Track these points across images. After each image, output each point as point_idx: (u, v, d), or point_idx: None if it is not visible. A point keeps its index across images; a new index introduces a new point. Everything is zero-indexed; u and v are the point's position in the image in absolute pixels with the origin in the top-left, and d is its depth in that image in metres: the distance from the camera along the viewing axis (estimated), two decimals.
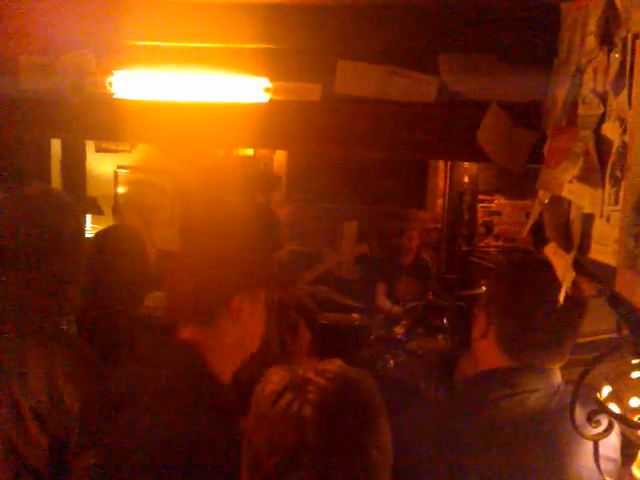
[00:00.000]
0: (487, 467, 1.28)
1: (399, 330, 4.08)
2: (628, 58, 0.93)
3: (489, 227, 5.90)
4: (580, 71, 1.25)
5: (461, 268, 5.62)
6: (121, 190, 5.64)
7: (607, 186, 0.98)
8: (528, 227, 1.57)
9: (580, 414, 1.19)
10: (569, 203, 1.23)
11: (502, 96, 1.83)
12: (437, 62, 1.89)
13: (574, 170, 1.13)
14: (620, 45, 0.98)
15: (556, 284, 1.19)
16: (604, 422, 1.21)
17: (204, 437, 1.09)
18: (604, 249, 0.99)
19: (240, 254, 1.33)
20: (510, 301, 1.40)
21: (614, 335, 1.11)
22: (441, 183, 5.74)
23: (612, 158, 0.98)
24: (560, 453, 1.29)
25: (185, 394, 1.18)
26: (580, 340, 1.43)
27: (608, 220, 0.97)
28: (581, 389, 1.13)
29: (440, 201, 5.83)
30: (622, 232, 0.88)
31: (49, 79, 2.11)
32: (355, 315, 4.12)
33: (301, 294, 2.83)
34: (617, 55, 0.99)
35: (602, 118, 1.05)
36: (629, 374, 1.33)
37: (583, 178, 1.09)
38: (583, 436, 1.20)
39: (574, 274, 1.13)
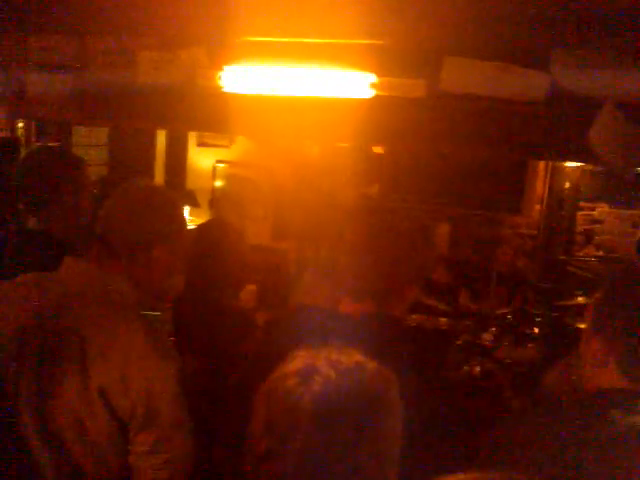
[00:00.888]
0: None
1: (487, 337, 3.98)
2: None
3: (589, 236, 5.62)
4: None
5: (556, 277, 5.39)
6: (218, 184, 5.82)
7: None
8: None
9: None
10: None
11: (618, 94, 1.75)
12: (549, 58, 1.83)
13: None
14: None
15: None
16: None
17: None
18: None
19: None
20: (631, 328, 1.30)
21: None
22: (540, 188, 5.52)
23: None
24: None
25: None
26: None
27: None
28: None
29: (538, 207, 5.61)
30: None
31: (165, 73, 2.23)
32: (442, 319, 4.07)
33: None
34: None
35: None
36: None
37: None
38: None
39: None
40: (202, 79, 2.20)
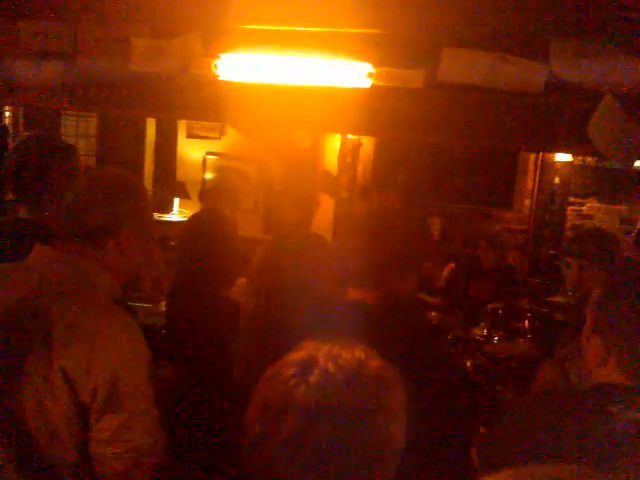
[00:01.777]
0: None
1: (478, 332, 3.98)
2: None
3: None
4: None
5: (547, 272, 5.43)
6: (208, 176, 5.79)
7: None
8: None
9: None
10: None
11: (617, 86, 1.74)
12: (547, 49, 1.82)
13: None
14: None
15: None
16: None
17: None
18: None
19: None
20: (632, 327, 1.31)
21: None
22: (530, 183, 5.56)
23: None
24: None
25: None
26: None
27: None
28: None
29: (528, 202, 5.64)
30: None
31: (158, 61, 2.19)
32: (433, 313, 4.06)
33: None
34: None
35: None
36: None
37: None
38: None
39: None
40: (197, 67, 2.17)
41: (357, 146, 5.27)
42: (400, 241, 1.73)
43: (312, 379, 0.93)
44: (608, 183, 5.31)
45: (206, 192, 5.27)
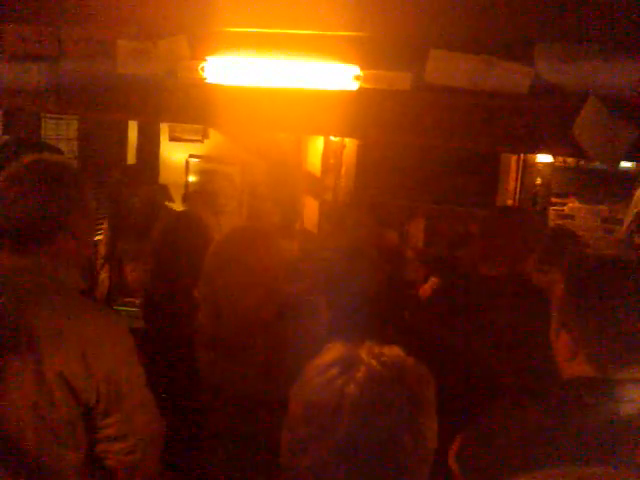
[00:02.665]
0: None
1: None
2: None
3: None
4: None
5: None
6: (192, 179, 5.76)
7: None
8: (628, 221, 1.52)
9: None
10: None
11: (601, 88, 1.77)
12: (533, 52, 1.85)
13: None
14: None
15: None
16: None
17: None
18: None
19: None
20: (600, 322, 1.34)
21: None
22: (512, 184, 5.61)
23: None
24: None
25: None
26: None
27: None
28: None
29: (510, 202, 5.69)
30: None
31: (144, 63, 2.18)
32: None
33: None
34: None
35: None
36: None
37: None
38: None
39: None
40: (183, 70, 2.16)
41: (341, 148, 5.28)
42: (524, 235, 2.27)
43: (359, 377, 0.94)
44: (589, 183, 5.38)
45: (189, 195, 5.25)
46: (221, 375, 1.87)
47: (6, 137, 3.99)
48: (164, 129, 5.57)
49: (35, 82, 2.22)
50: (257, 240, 1.95)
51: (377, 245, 3.09)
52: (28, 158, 1.61)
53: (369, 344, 1.01)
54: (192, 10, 2.14)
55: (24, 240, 1.53)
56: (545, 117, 1.90)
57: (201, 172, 5.70)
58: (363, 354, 0.98)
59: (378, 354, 0.98)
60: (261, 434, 1.73)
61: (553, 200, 5.65)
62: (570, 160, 5.48)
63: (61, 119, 5.27)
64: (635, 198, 4.32)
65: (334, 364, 0.97)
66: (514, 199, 5.62)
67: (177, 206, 5.39)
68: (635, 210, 3.99)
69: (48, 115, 5.14)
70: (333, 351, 1.00)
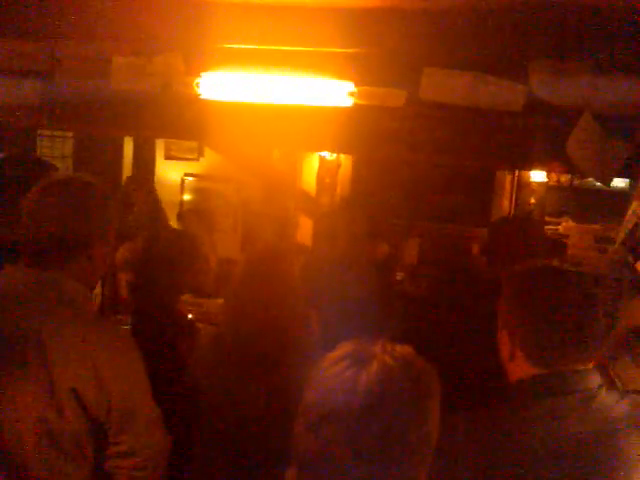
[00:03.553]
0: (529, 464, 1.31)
1: None
2: None
3: None
4: None
5: None
6: (187, 197, 5.76)
7: None
8: (620, 239, 1.54)
9: None
10: None
11: (595, 106, 1.78)
12: (526, 69, 1.86)
13: None
14: None
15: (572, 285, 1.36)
16: None
17: None
18: None
19: None
20: (529, 319, 1.41)
21: None
22: (506, 203, 5.64)
23: None
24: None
25: None
26: None
27: None
28: None
29: None
30: None
31: (140, 79, 2.19)
32: None
33: None
34: None
35: None
36: None
37: None
38: None
39: None
40: (178, 86, 2.17)
41: (336, 167, 5.30)
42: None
43: (373, 369, 0.99)
44: (583, 203, 5.41)
45: (184, 213, 5.24)
46: (225, 394, 1.87)
47: (1, 154, 3.99)
48: (160, 147, 5.59)
49: (30, 98, 2.22)
50: (286, 257, 2.02)
51: (369, 257, 3.09)
52: (59, 176, 1.61)
53: (383, 341, 1.07)
54: (187, 27, 2.15)
55: (45, 257, 1.51)
56: (539, 134, 1.91)
57: (196, 190, 5.70)
58: (377, 349, 1.04)
59: (391, 350, 1.04)
60: (259, 447, 1.75)
61: (547, 219, 5.67)
62: (564, 179, 5.52)
63: (57, 137, 5.28)
64: (627, 217, 4.33)
65: (349, 357, 1.02)
66: None
67: (172, 225, 5.40)
68: (627, 228, 4.00)
69: (44, 133, 5.15)
70: (347, 347, 1.05)
